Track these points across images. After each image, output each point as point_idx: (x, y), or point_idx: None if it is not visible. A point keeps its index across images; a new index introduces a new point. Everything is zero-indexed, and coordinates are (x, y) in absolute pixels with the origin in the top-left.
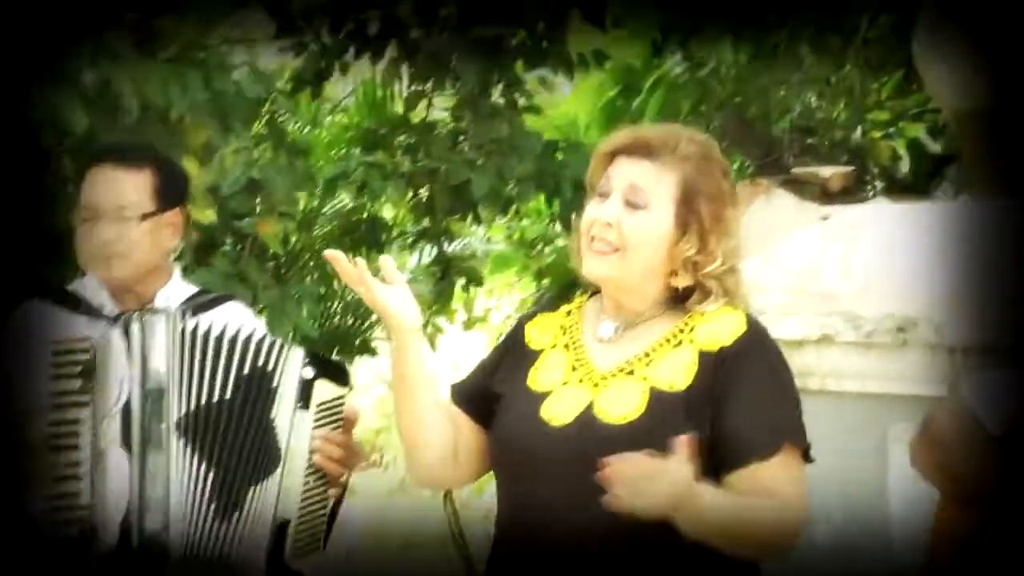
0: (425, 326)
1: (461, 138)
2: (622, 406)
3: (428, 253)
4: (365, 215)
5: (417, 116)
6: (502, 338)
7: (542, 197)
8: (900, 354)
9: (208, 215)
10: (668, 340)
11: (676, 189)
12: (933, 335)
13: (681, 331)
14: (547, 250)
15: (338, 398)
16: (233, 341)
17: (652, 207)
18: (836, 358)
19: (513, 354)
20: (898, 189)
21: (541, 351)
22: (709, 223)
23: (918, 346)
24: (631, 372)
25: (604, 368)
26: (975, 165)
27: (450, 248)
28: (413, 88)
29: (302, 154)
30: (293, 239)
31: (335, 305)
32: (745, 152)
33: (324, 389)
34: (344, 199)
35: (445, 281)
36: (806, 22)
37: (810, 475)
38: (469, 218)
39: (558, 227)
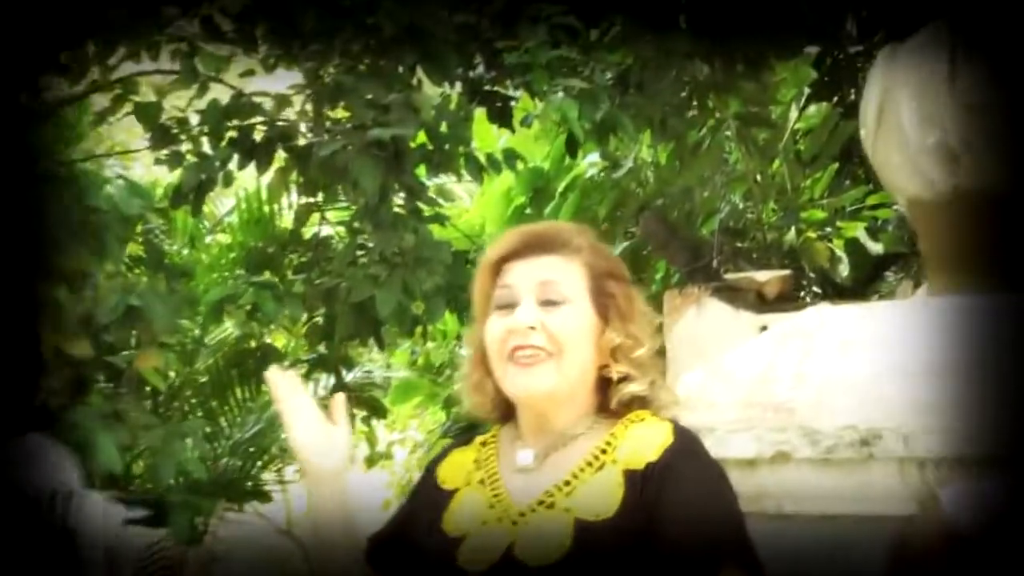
0: None
1: (360, 252)
2: (545, 545)
3: (324, 384)
4: (253, 343)
5: (308, 231)
6: (414, 484)
7: (450, 316)
8: (864, 470)
9: (83, 347)
10: (590, 464)
11: (585, 278)
12: (901, 447)
13: (603, 451)
14: (455, 375)
15: (156, 543)
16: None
17: (571, 299)
18: (793, 477)
19: (425, 499)
20: (835, 293)
21: (456, 490)
22: (625, 306)
23: (884, 460)
24: (551, 505)
25: (523, 503)
26: (934, 258)
27: (349, 377)
28: (303, 201)
29: (183, 277)
30: (173, 373)
31: (221, 445)
32: (670, 258)
33: (138, 537)
34: (227, 327)
35: None
36: (730, 115)
37: None
38: (370, 342)
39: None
